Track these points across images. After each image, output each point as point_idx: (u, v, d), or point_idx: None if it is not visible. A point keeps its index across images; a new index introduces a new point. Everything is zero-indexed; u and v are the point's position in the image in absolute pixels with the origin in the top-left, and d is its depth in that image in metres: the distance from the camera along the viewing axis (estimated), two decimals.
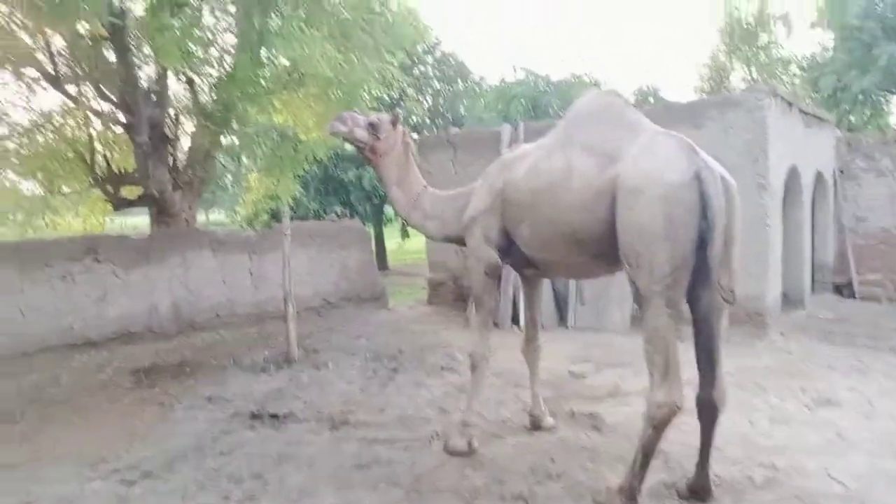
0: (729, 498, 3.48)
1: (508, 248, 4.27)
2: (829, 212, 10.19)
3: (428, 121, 18.30)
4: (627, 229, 3.34)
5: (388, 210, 19.26)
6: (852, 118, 16.70)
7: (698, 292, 3.36)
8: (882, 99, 16.66)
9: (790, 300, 8.70)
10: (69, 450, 4.64)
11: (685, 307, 3.40)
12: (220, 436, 4.82)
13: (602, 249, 3.63)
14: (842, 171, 10.37)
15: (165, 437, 4.85)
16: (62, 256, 7.05)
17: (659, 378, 3.27)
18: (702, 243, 3.22)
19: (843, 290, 10.09)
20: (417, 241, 21.73)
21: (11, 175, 9.79)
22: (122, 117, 8.49)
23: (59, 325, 6.92)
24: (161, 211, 9.03)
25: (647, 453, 3.35)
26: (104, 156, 9.28)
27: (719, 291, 3.33)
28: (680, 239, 3.20)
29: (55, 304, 6.91)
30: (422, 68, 19.76)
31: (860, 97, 15.50)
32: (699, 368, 3.46)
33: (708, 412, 3.41)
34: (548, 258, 4.04)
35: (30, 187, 10.61)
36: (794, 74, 20.04)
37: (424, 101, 20.28)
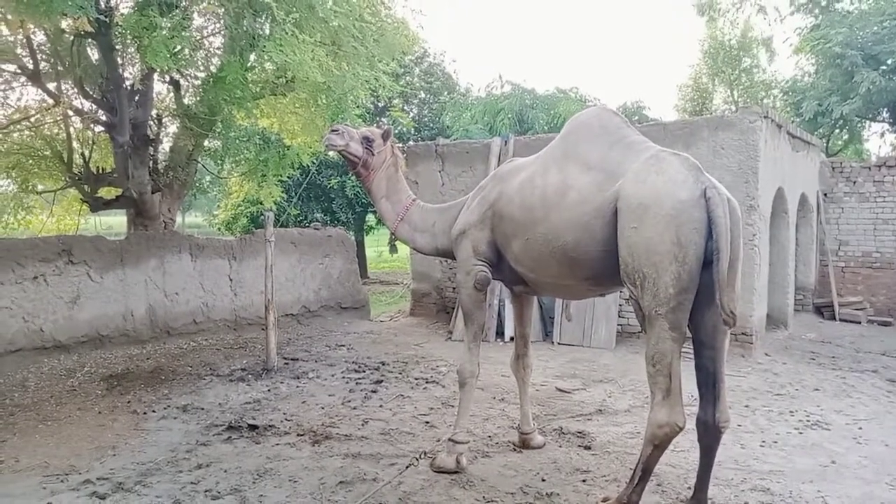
0: None
1: (499, 264, 4.18)
2: (812, 234, 10.29)
3: (414, 131, 18.21)
4: (632, 249, 3.26)
5: (370, 218, 19.09)
6: (830, 143, 17.00)
7: (703, 313, 3.29)
8: (861, 125, 16.98)
9: (774, 320, 8.73)
10: (36, 460, 4.40)
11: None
12: (195, 448, 4.62)
13: (596, 270, 3.55)
14: (826, 195, 10.49)
15: (138, 448, 4.63)
16: (35, 257, 6.78)
17: (661, 398, 3.19)
18: (708, 264, 3.15)
19: (824, 311, 10.18)
20: (397, 251, 21.60)
21: None
22: (103, 116, 8.26)
23: (29, 327, 6.64)
24: (139, 213, 8.80)
25: (646, 469, 3.32)
26: (82, 155, 9.04)
27: (721, 313, 3.26)
28: (687, 259, 3.13)
29: (25, 305, 6.63)
30: (408, 78, 19.71)
31: (840, 122, 15.76)
32: (701, 389, 3.38)
33: (710, 433, 3.33)
34: (539, 277, 3.94)
35: (1, 184, 10.33)
36: (776, 97, 20.36)
37: (410, 112, 20.20)
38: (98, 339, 7.18)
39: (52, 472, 4.18)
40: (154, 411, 5.46)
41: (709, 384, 3.37)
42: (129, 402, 5.71)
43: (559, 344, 7.98)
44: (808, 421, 5.10)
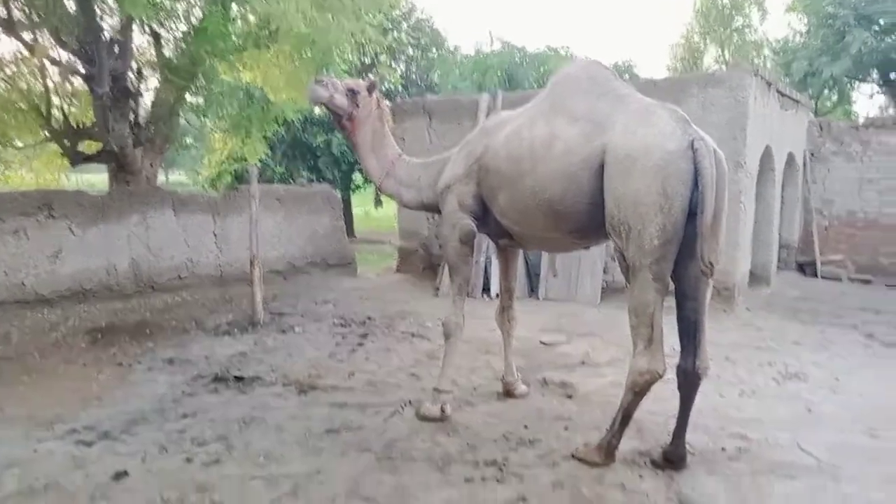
0: (703, 467, 3.48)
1: (484, 217, 4.17)
2: (797, 193, 10.35)
3: (401, 88, 17.94)
4: (618, 200, 3.26)
5: (357, 177, 18.94)
6: (819, 104, 16.98)
7: (686, 265, 3.31)
8: (850, 86, 16.94)
9: (756, 277, 8.83)
10: (20, 411, 4.41)
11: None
12: (181, 398, 4.64)
13: (582, 223, 3.56)
14: (812, 154, 10.51)
15: (124, 398, 4.65)
16: (15, 211, 6.66)
17: (643, 346, 3.24)
18: (692, 215, 3.16)
19: (806, 268, 10.30)
20: (384, 209, 21.52)
21: None
22: (81, 68, 8.03)
23: (10, 281, 6.57)
24: (121, 168, 8.64)
25: (626, 415, 3.42)
26: (61, 108, 8.82)
27: (700, 264, 3.28)
28: (673, 211, 3.14)
29: (6, 259, 6.54)
30: (396, 34, 19.32)
31: (830, 83, 15.72)
32: (682, 339, 3.44)
33: (689, 381, 3.40)
34: (524, 230, 3.95)
35: None
36: (767, 57, 20.22)
37: (398, 68, 19.87)
38: (81, 294, 7.12)
39: (38, 422, 4.18)
40: (139, 363, 5.47)
41: (690, 334, 3.42)
42: (113, 354, 5.71)
43: (544, 300, 8.04)
44: (787, 373, 5.20)
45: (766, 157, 8.54)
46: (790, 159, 9.77)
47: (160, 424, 4.14)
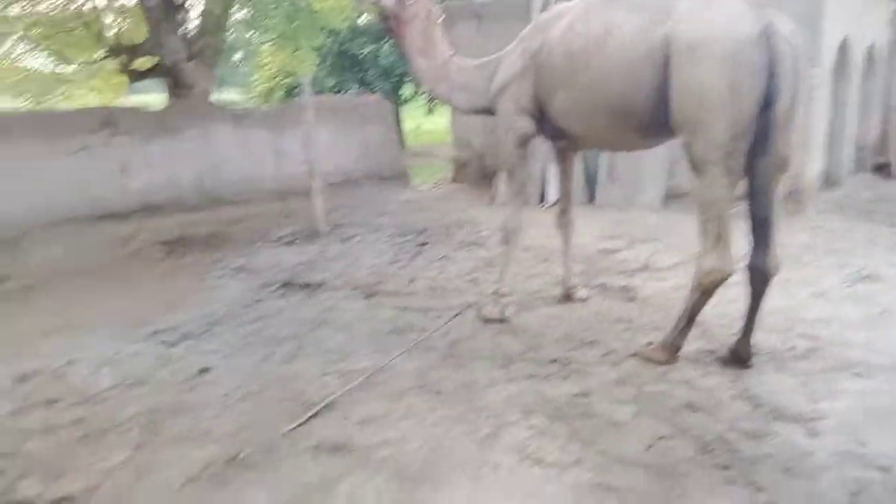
0: (771, 365, 3.46)
1: (541, 118, 4.04)
2: (876, 89, 9.61)
3: None
4: (684, 92, 3.10)
5: (407, 88, 18.59)
6: None
7: (758, 158, 3.15)
8: None
9: (829, 178, 8.40)
10: (107, 316, 4.72)
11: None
12: (254, 303, 4.87)
13: (644, 120, 3.40)
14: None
15: (201, 303, 4.91)
16: (82, 129, 6.88)
17: (710, 245, 3.17)
18: (766, 107, 2.98)
19: (882, 170, 9.73)
20: (434, 122, 21.20)
21: (20, 49, 9.47)
22: None
23: (84, 196, 6.87)
24: (176, 83, 8.73)
25: (691, 316, 3.38)
26: (113, 26, 8.89)
27: (774, 158, 3.13)
28: (744, 103, 2.97)
29: (78, 175, 6.83)
30: None
31: None
32: (753, 237, 3.33)
33: (760, 279, 3.31)
34: (583, 130, 3.81)
35: (42, 63, 10.30)
36: None
37: None
38: (150, 208, 7.42)
39: (125, 325, 4.48)
40: (212, 272, 5.73)
41: (760, 231, 3.31)
42: (187, 264, 6.00)
43: (603, 206, 7.89)
44: (859, 274, 5.02)
45: (844, 48, 7.90)
46: (870, 52, 9.02)
47: (236, 326, 4.37)
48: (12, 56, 9.58)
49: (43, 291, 5.34)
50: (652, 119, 3.36)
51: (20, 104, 9.52)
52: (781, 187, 3.34)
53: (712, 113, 3.01)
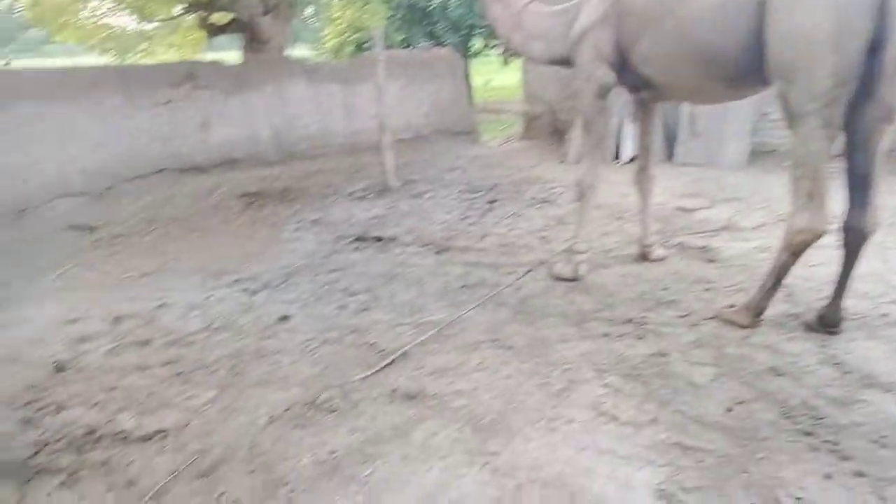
0: (861, 332, 3.28)
1: (623, 67, 3.86)
2: None
3: None
4: (782, 36, 2.88)
5: (476, 42, 18.24)
6: None
7: (861, 109, 2.92)
8: None
9: None
10: (193, 263, 4.96)
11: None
12: (329, 255, 4.99)
13: (736, 68, 3.19)
14: None
15: (279, 254, 5.08)
16: (164, 83, 7.12)
17: (804, 202, 2.98)
18: (873, 51, 2.74)
19: None
20: (503, 78, 20.79)
21: (104, 7, 9.80)
22: None
23: (168, 150, 7.16)
24: (252, 38, 8.88)
25: (778, 277, 3.22)
26: None
27: (879, 109, 2.89)
28: (849, 47, 2.72)
29: (163, 129, 7.10)
30: None
31: None
32: (850, 195, 3.12)
33: (856, 238, 3.11)
34: (669, 79, 3.62)
35: (122, 21, 10.66)
36: None
37: None
38: (230, 162, 7.66)
39: (209, 273, 4.70)
40: (288, 225, 5.90)
41: (859, 189, 3.09)
42: (265, 216, 6.19)
43: (682, 164, 7.59)
44: None
45: None
46: None
47: (313, 277, 4.51)
48: (98, 14, 9.94)
49: (132, 240, 5.64)
50: (744, 66, 3.15)
51: (105, 61, 9.91)
52: (885, 142, 3.09)
53: (813, 58, 2.79)
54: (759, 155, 7.44)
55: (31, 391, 3.12)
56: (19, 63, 11.87)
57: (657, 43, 3.48)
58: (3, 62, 10.57)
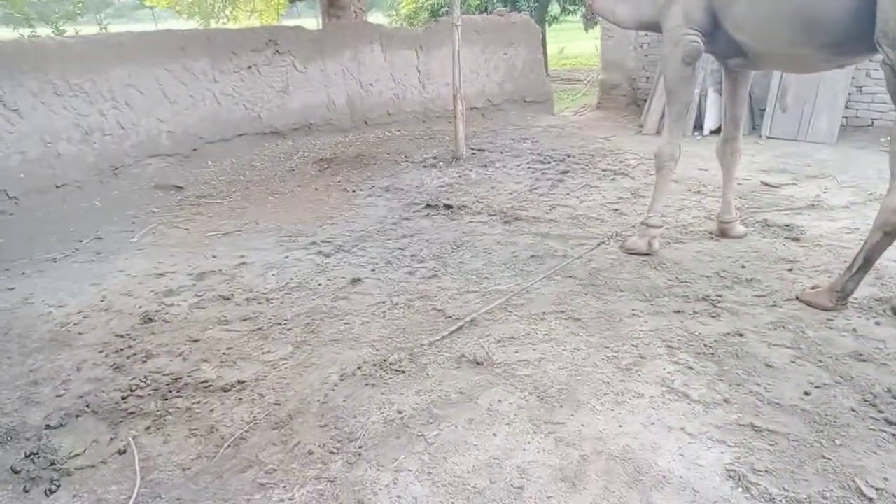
0: None
1: (713, 33, 3.67)
2: None
3: None
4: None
5: (553, 7, 17.74)
6: None
7: None
8: None
9: None
10: (271, 224, 5.15)
11: None
12: (399, 221, 5.07)
13: (839, 34, 2.97)
14: None
15: (351, 219, 5.20)
16: (247, 47, 7.30)
17: None
18: None
19: None
20: (578, 46, 20.18)
21: None
22: None
23: (250, 114, 7.38)
24: (331, 3, 8.97)
25: (869, 258, 3.05)
26: None
27: None
28: None
29: (245, 94, 7.32)
30: None
31: None
32: None
33: None
34: (764, 45, 3.41)
35: None
36: None
37: None
38: (307, 127, 7.84)
39: (285, 234, 4.88)
40: (361, 190, 6.01)
41: None
42: (339, 181, 6.33)
43: (768, 138, 7.22)
44: None
45: None
46: None
47: (384, 242, 4.60)
48: None
49: (215, 201, 5.89)
50: (848, 32, 2.94)
51: (192, 25, 10.27)
52: None
53: None
54: (850, 130, 6.98)
55: (121, 339, 3.36)
56: (114, 28, 12.47)
57: (754, 6, 3.29)
58: (100, 27, 11.11)
